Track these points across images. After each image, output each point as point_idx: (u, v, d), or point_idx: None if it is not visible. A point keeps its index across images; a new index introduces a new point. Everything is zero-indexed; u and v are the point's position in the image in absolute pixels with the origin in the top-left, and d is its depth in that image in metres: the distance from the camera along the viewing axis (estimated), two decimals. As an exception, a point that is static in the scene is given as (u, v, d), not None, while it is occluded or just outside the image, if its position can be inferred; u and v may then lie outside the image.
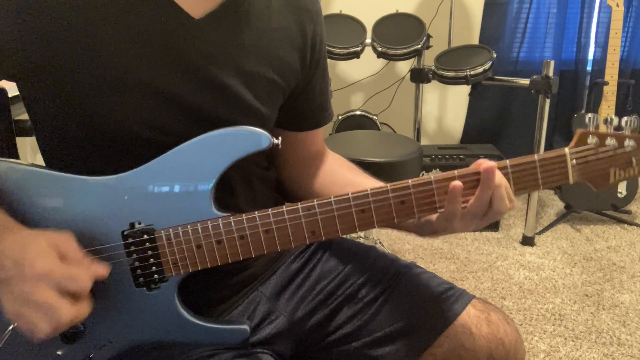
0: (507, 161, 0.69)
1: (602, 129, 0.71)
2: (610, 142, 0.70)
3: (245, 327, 0.76)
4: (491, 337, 0.80)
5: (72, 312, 0.59)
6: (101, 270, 0.64)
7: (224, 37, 0.71)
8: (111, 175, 0.68)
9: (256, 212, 0.69)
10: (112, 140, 0.70)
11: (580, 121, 2.37)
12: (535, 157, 0.69)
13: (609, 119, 0.70)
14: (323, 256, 0.90)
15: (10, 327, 0.66)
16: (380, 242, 2.23)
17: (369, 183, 0.83)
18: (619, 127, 0.70)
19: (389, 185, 0.69)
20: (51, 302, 0.58)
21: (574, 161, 0.70)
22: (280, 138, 0.71)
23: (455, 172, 0.70)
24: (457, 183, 0.67)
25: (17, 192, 0.67)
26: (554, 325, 1.81)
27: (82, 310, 0.61)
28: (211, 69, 0.71)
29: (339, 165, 0.92)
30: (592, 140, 0.70)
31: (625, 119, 0.70)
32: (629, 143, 0.69)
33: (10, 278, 0.59)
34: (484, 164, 0.67)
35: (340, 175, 0.89)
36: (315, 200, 0.69)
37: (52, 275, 0.58)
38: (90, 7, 0.65)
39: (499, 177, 0.67)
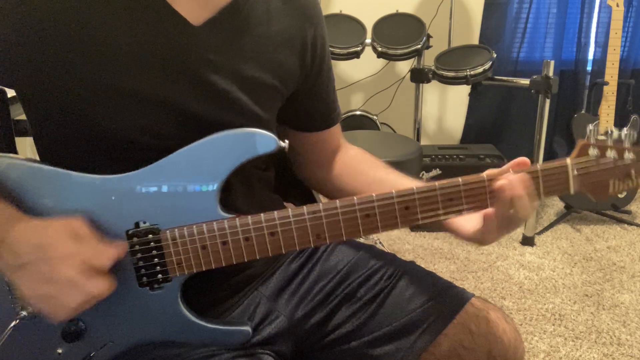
0: (511, 170, 0.70)
1: (603, 140, 0.72)
2: (611, 154, 0.71)
3: (247, 328, 0.76)
4: (490, 335, 0.80)
5: (99, 285, 0.62)
6: (119, 247, 0.66)
7: (223, 43, 0.71)
8: (117, 175, 0.68)
9: (262, 215, 0.70)
10: (111, 147, 0.70)
11: (580, 121, 2.37)
12: (538, 167, 0.70)
13: (609, 131, 0.72)
14: (322, 256, 0.90)
15: (11, 326, 0.67)
16: (380, 242, 2.23)
17: (392, 178, 0.86)
18: (618, 139, 0.72)
19: (393, 190, 0.70)
20: (78, 277, 0.61)
21: (575, 172, 0.71)
22: (287, 141, 0.71)
23: (460, 179, 0.70)
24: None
25: (19, 189, 0.67)
26: (554, 325, 1.81)
27: (107, 284, 0.63)
28: (211, 75, 0.71)
29: (359, 162, 0.92)
30: (593, 151, 0.71)
31: (624, 131, 0.71)
32: (628, 155, 0.71)
33: (29, 263, 0.61)
34: (498, 182, 0.68)
35: (361, 173, 0.90)
36: (320, 205, 0.70)
37: (77, 254, 0.61)
38: (89, 15, 0.65)
39: (519, 190, 0.68)
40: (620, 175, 0.71)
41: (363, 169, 0.91)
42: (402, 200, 0.70)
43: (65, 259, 0.61)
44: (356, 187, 0.89)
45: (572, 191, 0.71)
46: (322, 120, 0.90)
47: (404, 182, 0.84)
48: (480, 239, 0.74)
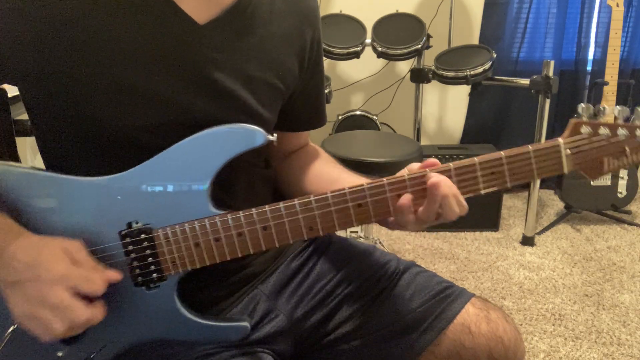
0: (502, 152, 0.69)
1: (596, 119, 0.71)
2: (604, 131, 0.70)
3: (246, 324, 0.76)
4: (490, 335, 0.80)
5: (87, 313, 0.61)
6: (113, 275, 0.65)
7: (228, 42, 0.72)
8: (107, 176, 0.68)
9: (253, 209, 0.69)
10: (113, 145, 0.70)
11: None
12: (530, 147, 0.70)
13: (601, 109, 0.71)
14: (322, 255, 0.90)
15: (11, 329, 0.66)
16: (380, 242, 2.23)
17: (352, 180, 0.83)
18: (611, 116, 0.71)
19: (385, 179, 0.69)
20: (67, 303, 0.60)
21: (568, 151, 0.70)
22: (275, 135, 0.71)
23: (451, 164, 0.70)
24: (407, 198, 0.68)
25: (13, 195, 0.67)
26: (554, 325, 1.81)
27: (96, 312, 0.63)
28: (215, 74, 0.71)
29: (312, 156, 0.92)
30: (585, 129, 0.70)
31: (617, 108, 0.71)
32: (622, 132, 0.70)
33: (22, 280, 0.60)
34: (431, 179, 0.67)
35: (326, 172, 0.89)
36: (312, 196, 0.70)
37: (69, 277, 0.60)
38: (93, 12, 0.66)
39: (447, 188, 0.67)
40: (615, 152, 0.71)
41: (311, 163, 0.90)
42: (394, 187, 0.69)
43: (56, 282, 0.60)
44: (299, 179, 0.88)
45: (565, 170, 0.71)
46: (308, 121, 0.91)
47: (345, 176, 0.84)
48: (396, 227, 0.73)
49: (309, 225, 0.70)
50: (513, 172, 0.70)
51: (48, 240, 0.63)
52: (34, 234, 0.65)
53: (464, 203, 0.69)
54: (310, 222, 0.70)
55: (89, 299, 0.62)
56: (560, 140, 0.70)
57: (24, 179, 0.68)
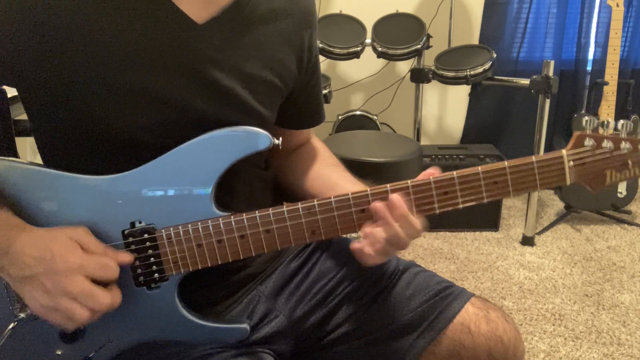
0: (506, 162, 0.70)
1: (600, 131, 0.72)
2: (607, 144, 0.71)
3: (245, 325, 0.76)
4: (490, 334, 0.80)
5: (108, 297, 0.63)
6: (126, 257, 0.67)
7: (226, 41, 0.72)
8: (112, 175, 0.69)
9: (257, 212, 0.70)
10: (113, 145, 0.70)
11: (580, 121, 2.36)
12: (534, 158, 0.70)
13: (605, 122, 0.72)
14: (322, 255, 0.90)
15: (10, 327, 0.67)
16: (380, 242, 2.23)
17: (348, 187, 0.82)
18: (615, 130, 0.72)
19: (388, 185, 0.70)
20: (89, 290, 0.62)
21: (571, 163, 0.71)
22: (280, 138, 0.71)
23: (455, 172, 0.70)
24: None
25: (17, 191, 0.68)
26: (554, 325, 1.81)
27: (116, 296, 0.65)
28: (214, 73, 0.71)
29: (312, 157, 0.92)
30: (589, 142, 0.71)
31: (621, 122, 0.72)
32: (624, 145, 0.71)
33: (37, 274, 0.61)
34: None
35: (324, 176, 0.88)
36: (315, 200, 0.70)
37: (86, 266, 0.62)
38: (93, 13, 0.66)
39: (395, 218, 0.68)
40: (617, 165, 0.72)
41: (311, 164, 0.91)
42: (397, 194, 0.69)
43: (74, 271, 0.61)
44: (299, 180, 0.88)
45: (568, 182, 0.72)
46: (309, 119, 0.91)
47: (342, 182, 0.84)
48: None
49: (312, 229, 0.70)
50: (516, 182, 0.71)
51: (54, 231, 0.64)
52: (39, 228, 0.66)
53: (415, 223, 0.69)
54: (313, 226, 0.70)
55: (104, 283, 0.64)
56: (564, 152, 0.71)
57: (28, 175, 0.68)
